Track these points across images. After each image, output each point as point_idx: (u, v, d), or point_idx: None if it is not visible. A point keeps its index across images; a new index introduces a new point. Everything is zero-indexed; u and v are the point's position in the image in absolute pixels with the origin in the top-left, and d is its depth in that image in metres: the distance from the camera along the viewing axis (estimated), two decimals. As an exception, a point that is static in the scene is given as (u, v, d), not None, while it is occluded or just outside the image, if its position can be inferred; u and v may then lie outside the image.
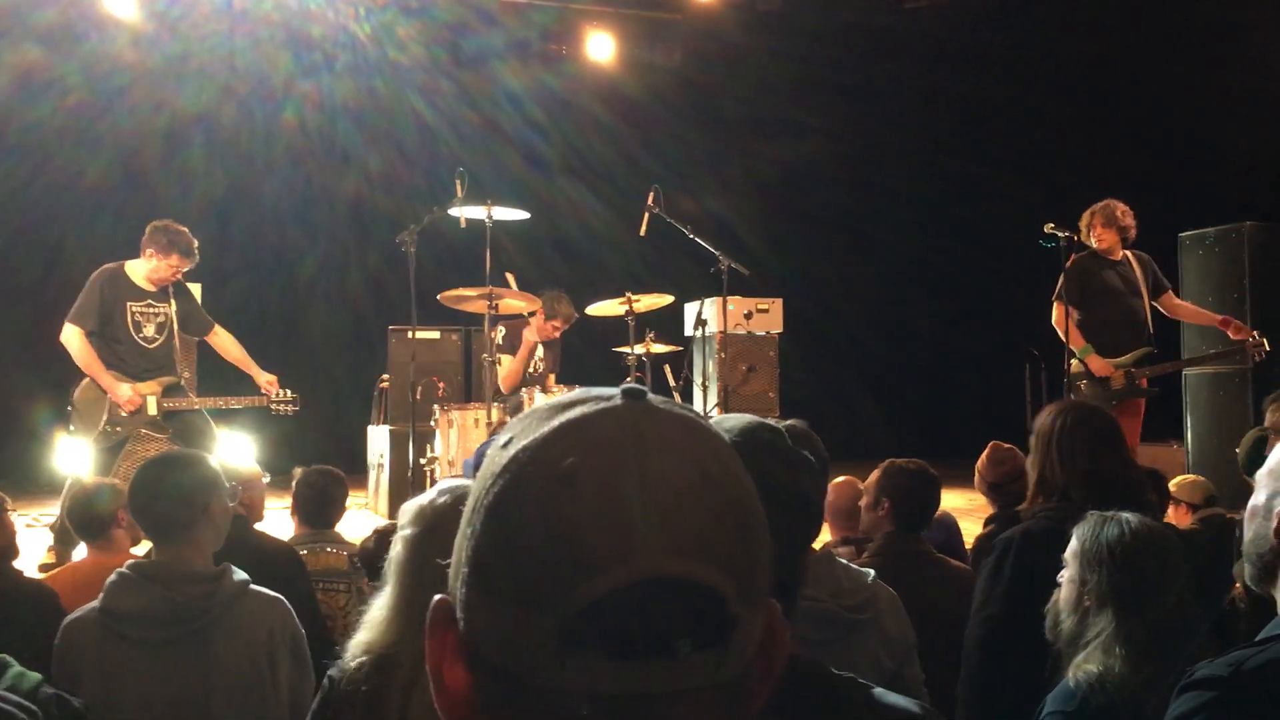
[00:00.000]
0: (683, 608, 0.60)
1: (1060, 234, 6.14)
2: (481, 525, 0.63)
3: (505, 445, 0.66)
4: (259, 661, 2.51)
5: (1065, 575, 2.19)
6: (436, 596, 0.67)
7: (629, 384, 0.67)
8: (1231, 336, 6.20)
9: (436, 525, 1.92)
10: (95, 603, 2.48)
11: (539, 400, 6.55)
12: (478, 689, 0.64)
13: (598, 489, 0.60)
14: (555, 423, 0.64)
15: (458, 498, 2.03)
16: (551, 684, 0.60)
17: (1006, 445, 4.04)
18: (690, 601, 0.60)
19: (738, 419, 1.40)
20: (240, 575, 2.55)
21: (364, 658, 1.90)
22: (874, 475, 3.50)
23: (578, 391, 0.69)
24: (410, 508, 1.96)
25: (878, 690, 1.31)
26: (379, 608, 1.93)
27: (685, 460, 0.63)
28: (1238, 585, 2.79)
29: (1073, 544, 2.18)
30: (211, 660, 2.45)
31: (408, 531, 1.91)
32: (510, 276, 6.84)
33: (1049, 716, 2.03)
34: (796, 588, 1.40)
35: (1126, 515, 2.16)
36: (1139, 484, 2.78)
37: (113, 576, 2.49)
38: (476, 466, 2.43)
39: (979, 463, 4.05)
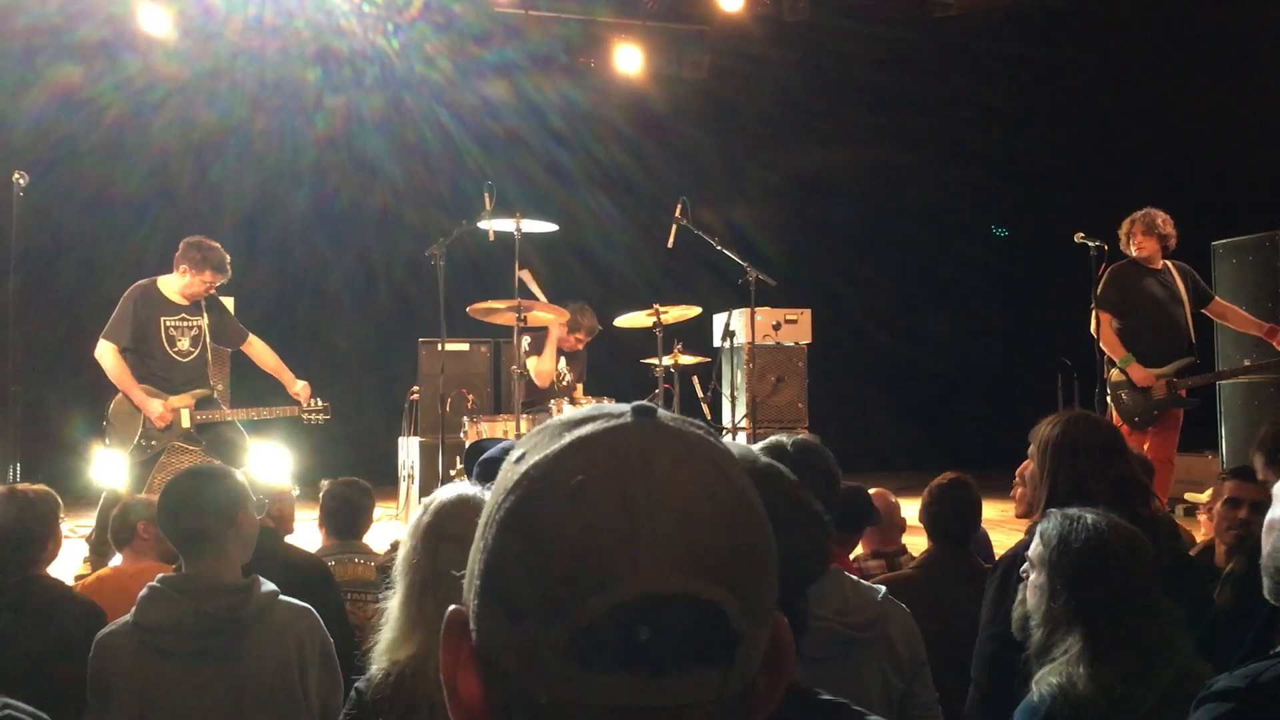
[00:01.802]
0: (688, 624, 0.61)
1: (1091, 243, 6.11)
2: (494, 538, 0.65)
3: (518, 460, 0.67)
4: (290, 671, 2.53)
5: (1031, 579, 2.10)
6: (451, 607, 0.69)
7: (640, 402, 0.69)
8: (1276, 346, 6.12)
9: (435, 527, 1.96)
10: (127, 616, 2.50)
11: (567, 411, 6.58)
12: (490, 698, 0.66)
13: (606, 506, 0.62)
14: (566, 439, 0.66)
15: (457, 497, 2.05)
16: (560, 695, 0.61)
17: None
18: (695, 618, 0.61)
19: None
20: (269, 586, 2.57)
21: (390, 669, 1.92)
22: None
23: (589, 408, 0.70)
24: (412, 521, 2.02)
25: (857, 709, 1.32)
26: (391, 611, 1.98)
27: (693, 478, 0.64)
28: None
29: (1037, 547, 2.09)
30: (243, 671, 2.46)
31: (410, 544, 1.97)
32: (528, 274, 6.84)
33: None
34: (803, 616, 1.40)
35: (1093, 518, 2.05)
36: (1143, 491, 2.75)
37: (144, 590, 2.51)
38: (469, 472, 2.48)
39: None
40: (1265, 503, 1.83)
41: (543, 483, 0.64)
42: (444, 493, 2.07)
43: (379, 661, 1.99)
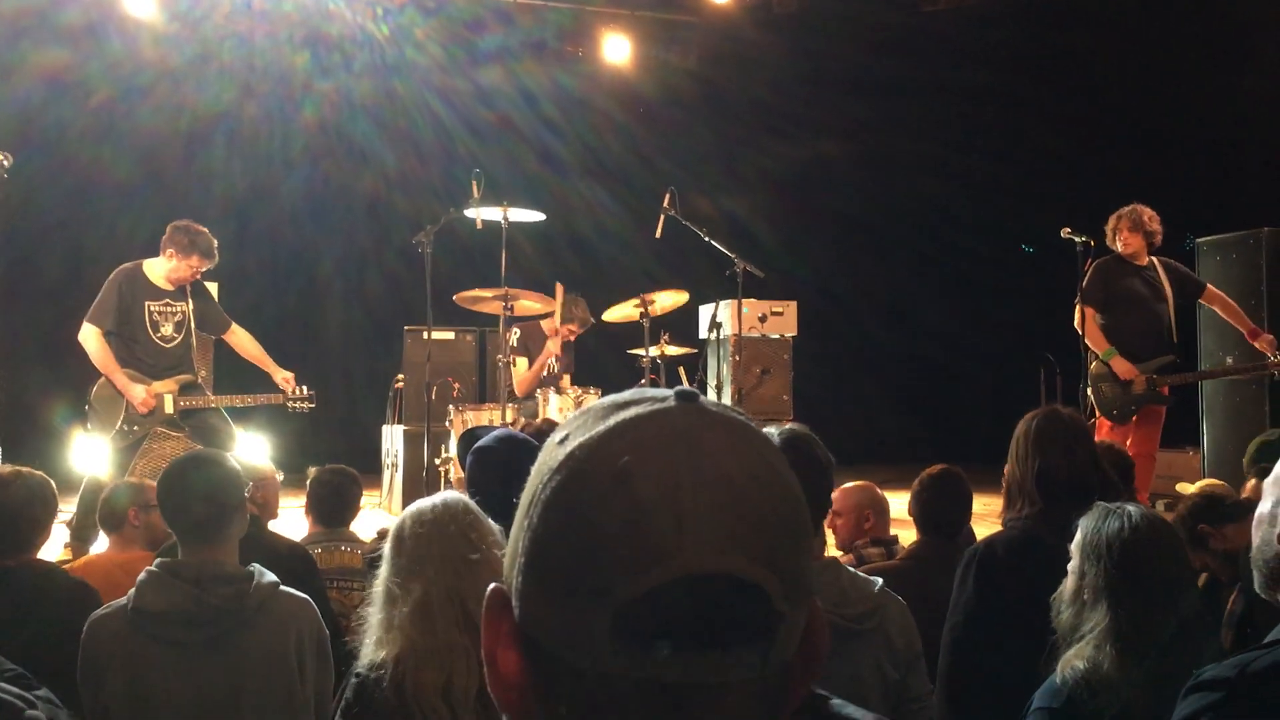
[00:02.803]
0: (731, 603, 0.63)
1: (1077, 238, 6.13)
2: (539, 518, 0.66)
3: (562, 441, 0.69)
4: (289, 663, 2.52)
5: (1071, 566, 2.16)
6: (492, 585, 0.71)
7: (682, 386, 0.70)
8: (1258, 348, 6.16)
9: (434, 521, 1.95)
10: (122, 600, 2.48)
11: (554, 402, 6.62)
12: (530, 674, 0.67)
13: (652, 487, 0.63)
14: (611, 421, 0.67)
15: (453, 500, 2.07)
16: (602, 671, 0.63)
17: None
18: (738, 597, 0.63)
19: None
20: (270, 576, 2.55)
21: (389, 658, 1.91)
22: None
23: (632, 392, 0.72)
24: (412, 508, 2.00)
25: (836, 701, 1.33)
26: (388, 607, 1.97)
27: (735, 461, 0.65)
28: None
29: (1077, 535, 2.15)
30: (242, 661, 2.45)
31: (405, 532, 1.98)
32: (559, 288, 6.93)
33: (1034, 713, 2.03)
34: None
35: (1131, 508, 2.11)
36: (1111, 487, 2.77)
37: (142, 575, 2.49)
38: (462, 461, 2.49)
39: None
40: None
41: (589, 463, 0.65)
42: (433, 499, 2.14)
43: (375, 650, 1.99)
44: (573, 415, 0.72)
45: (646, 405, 0.68)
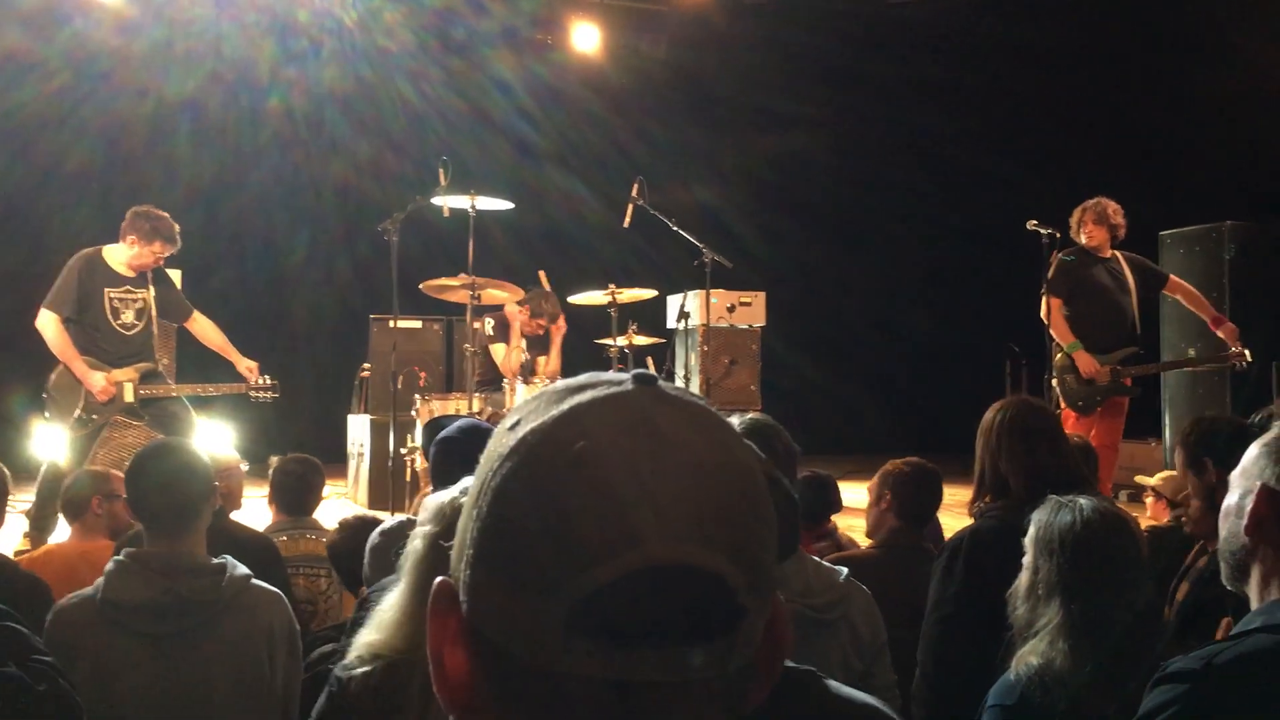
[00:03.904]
0: (692, 596, 0.59)
1: (1043, 231, 6.18)
2: (488, 507, 0.62)
3: (513, 427, 0.65)
4: (260, 656, 2.49)
5: (1025, 561, 2.15)
6: (438, 579, 0.66)
7: (640, 370, 0.67)
8: (1220, 336, 6.24)
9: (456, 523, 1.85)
10: (89, 590, 2.43)
11: (521, 392, 6.59)
12: (479, 673, 0.64)
13: (609, 473, 0.60)
14: (565, 406, 0.63)
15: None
16: (556, 669, 0.59)
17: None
18: (700, 590, 0.59)
19: None
20: (242, 569, 2.52)
21: (376, 661, 1.82)
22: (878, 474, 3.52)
23: (588, 376, 0.68)
24: (431, 503, 1.90)
25: (832, 683, 1.31)
26: (390, 607, 1.83)
27: (696, 448, 0.62)
28: None
29: (1030, 529, 2.14)
30: (212, 655, 2.41)
31: (429, 529, 1.82)
32: (543, 275, 6.89)
33: (989, 710, 2.03)
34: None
35: (1083, 501, 2.10)
36: (1078, 477, 2.79)
37: (110, 566, 2.44)
38: (426, 452, 2.38)
39: None
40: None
41: (542, 449, 0.62)
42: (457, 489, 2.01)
43: (361, 651, 1.92)
44: (525, 400, 0.69)
45: (603, 389, 0.64)
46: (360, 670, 1.79)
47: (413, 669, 1.75)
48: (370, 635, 1.83)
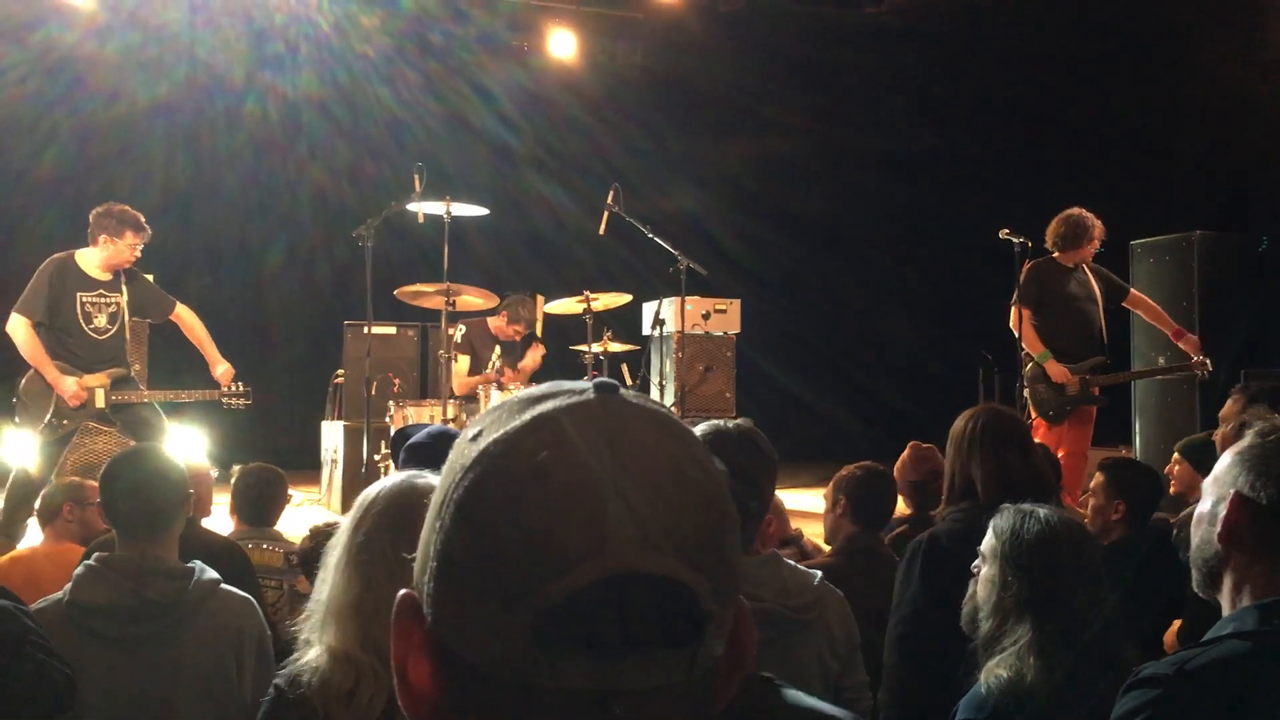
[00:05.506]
0: (657, 604, 0.60)
1: (1015, 239, 6.23)
2: (451, 519, 0.62)
3: (475, 438, 0.65)
4: (226, 661, 2.49)
5: (983, 572, 2.12)
6: (402, 591, 0.66)
7: (601, 378, 0.67)
8: (1182, 348, 6.33)
9: (386, 511, 1.84)
10: (59, 594, 2.44)
11: (495, 399, 6.59)
12: (443, 685, 0.64)
13: (571, 483, 0.60)
14: (527, 416, 0.63)
15: (408, 482, 1.95)
16: (522, 680, 0.60)
17: (926, 445, 4.06)
18: (664, 598, 0.60)
19: None
20: (211, 574, 2.51)
21: (316, 662, 1.81)
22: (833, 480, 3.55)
23: (549, 385, 0.68)
24: (361, 496, 1.89)
25: (790, 691, 1.32)
26: (321, 605, 1.83)
27: (659, 456, 0.62)
28: None
29: (990, 540, 2.12)
30: (179, 659, 2.42)
31: (355, 517, 1.82)
32: (539, 299, 6.91)
33: None
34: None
35: (1043, 512, 2.08)
36: (1046, 483, 2.82)
37: (79, 569, 2.45)
38: (395, 459, 2.33)
39: (899, 461, 4.04)
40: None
41: (504, 460, 0.62)
42: (394, 478, 1.95)
43: (303, 653, 1.91)
44: (486, 410, 0.69)
45: (564, 398, 0.64)
46: (303, 673, 1.78)
47: (353, 664, 1.74)
48: (308, 635, 1.83)
